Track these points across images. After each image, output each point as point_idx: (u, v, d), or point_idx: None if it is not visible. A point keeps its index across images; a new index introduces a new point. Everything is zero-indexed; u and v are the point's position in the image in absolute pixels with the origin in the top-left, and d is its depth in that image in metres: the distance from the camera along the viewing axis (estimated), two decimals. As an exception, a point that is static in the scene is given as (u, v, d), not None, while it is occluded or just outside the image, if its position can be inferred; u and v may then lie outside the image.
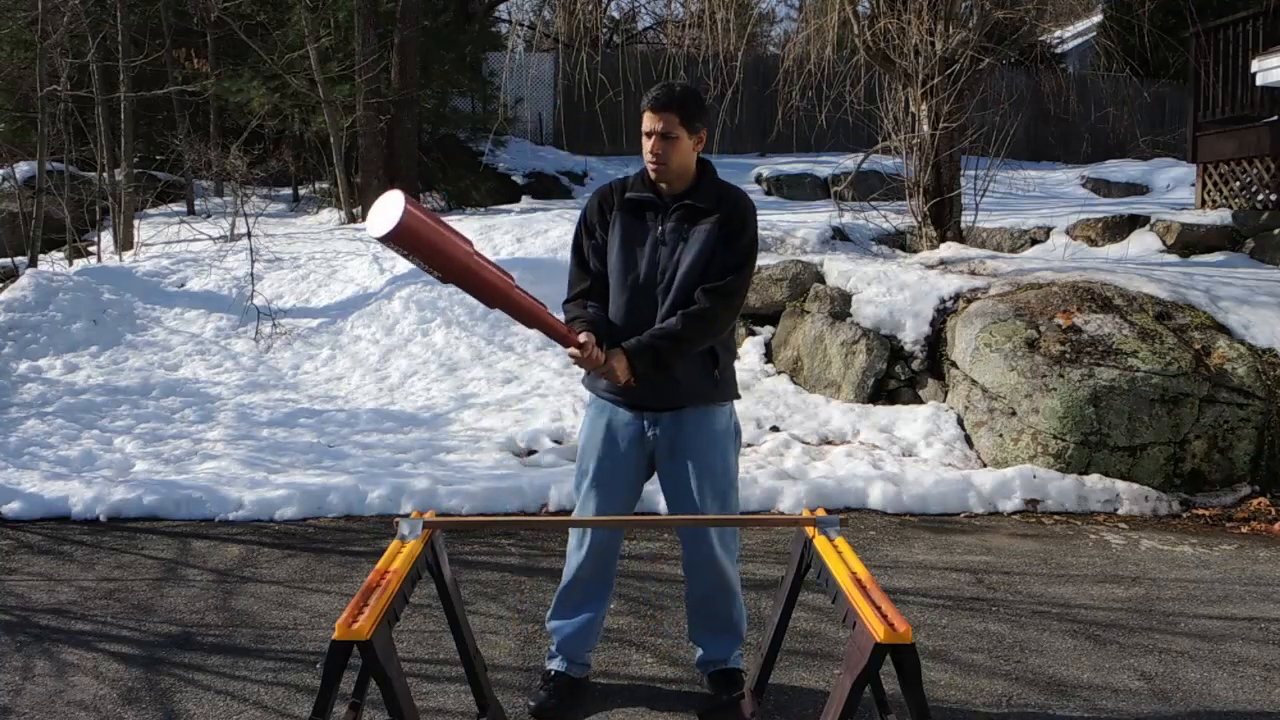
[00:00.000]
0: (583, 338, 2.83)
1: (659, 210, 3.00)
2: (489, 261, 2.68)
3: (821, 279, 7.70)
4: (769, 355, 7.56)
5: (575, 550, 3.13)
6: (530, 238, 9.65)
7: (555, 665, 3.17)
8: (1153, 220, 8.99)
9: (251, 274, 9.18)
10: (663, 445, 3.02)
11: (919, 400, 6.73)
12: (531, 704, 3.10)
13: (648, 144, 2.93)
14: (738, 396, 3.15)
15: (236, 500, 5.19)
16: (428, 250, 2.51)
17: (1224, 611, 4.02)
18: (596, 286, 3.06)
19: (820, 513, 2.73)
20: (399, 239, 2.45)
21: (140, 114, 13.77)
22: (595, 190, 3.14)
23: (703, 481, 3.00)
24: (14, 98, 13.76)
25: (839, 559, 2.47)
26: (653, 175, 2.99)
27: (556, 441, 6.18)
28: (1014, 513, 5.39)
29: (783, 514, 5.14)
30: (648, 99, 2.94)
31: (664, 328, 2.90)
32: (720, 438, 3.05)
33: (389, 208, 2.46)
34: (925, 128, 8.41)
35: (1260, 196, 9.17)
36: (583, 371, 3.04)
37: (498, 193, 14.07)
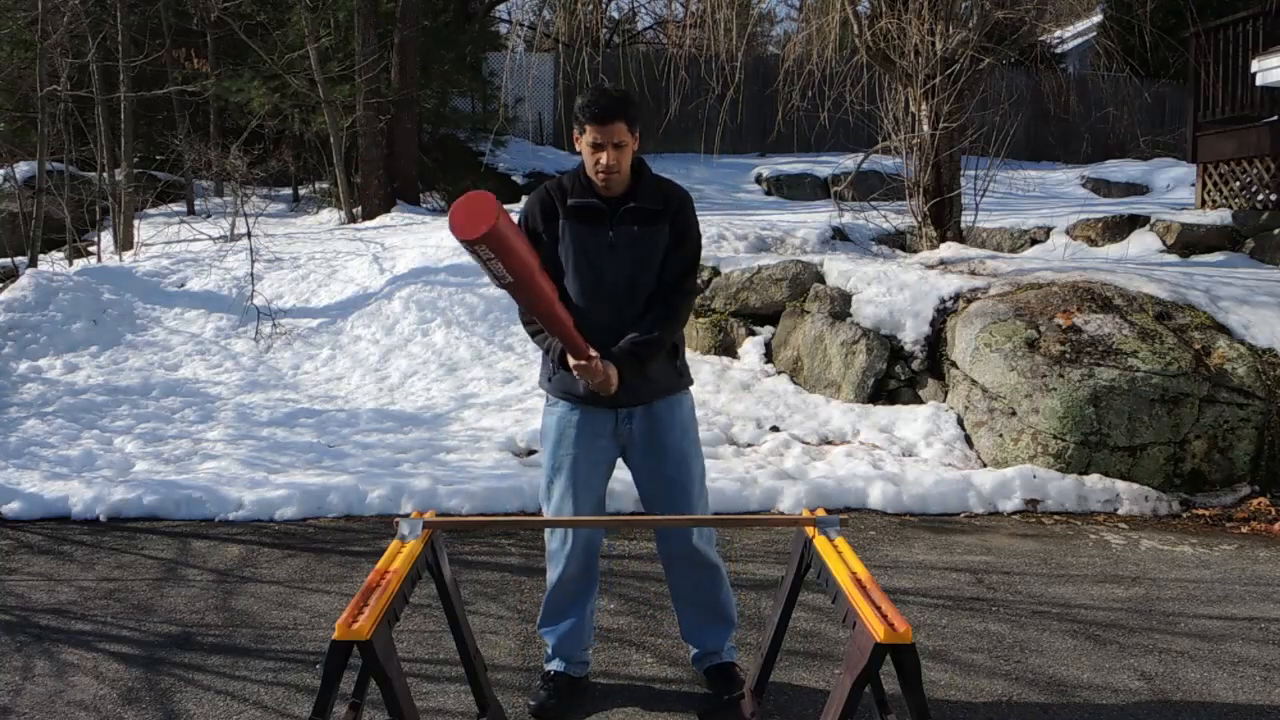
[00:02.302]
0: (593, 352, 2.87)
1: (606, 215, 2.99)
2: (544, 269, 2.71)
3: (821, 279, 7.69)
4: (769, 355, 7.56)
5: (559, 551, 3.15)
6: (530, 238, 9.65)
7: (554, 666, 3.19)
8: (1153, 220, 8.99)
9: (251, 274, 9.19)
10: (636, 438, 3.08)
11: (919, 400, 6.73)
12: (531, 703, 3.11)
13: (599, 156, 2.90)
14: (691, 383, 3.25)
15: (236, 500, 5.19)
16: (512, 255, 2.51)
17: (1224, 611, 4.02)
18: None
19: (820, 513, 2.73)
20: (491, 242, 2.44)
21: (140, 114, 13.78)
22: (532, 195, 3.11)
23: (681, 467, 3.10)
24: (14, 98, 13.77)
25: (839, 559, 2.47)
26: (604, 186, 2.97)
27: (556, 441, 6.17)
28: (1014, 513, 5.39)
29: (783, 514, 5.14)
30: (590, 111, 2.89)
31: (643, 336, 2.95)
32: (689, 423, 3.16)
33: (479, 211, 2.44)
34: (925, 128, 8.41)
35: (1260, 196, 9.17)
36: (538, 372, 3.10)
37: (498, 193, 13.86)
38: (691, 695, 3.20)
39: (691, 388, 3.24)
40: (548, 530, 3.26)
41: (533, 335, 3.09)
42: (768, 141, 15.22)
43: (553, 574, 3.18)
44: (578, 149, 3.01)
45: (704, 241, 3.23)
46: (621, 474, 3.23)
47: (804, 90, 9.31)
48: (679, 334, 3.09)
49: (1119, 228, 9.10)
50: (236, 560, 4.51)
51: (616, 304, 2.99)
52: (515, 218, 2.72)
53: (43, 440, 6.24)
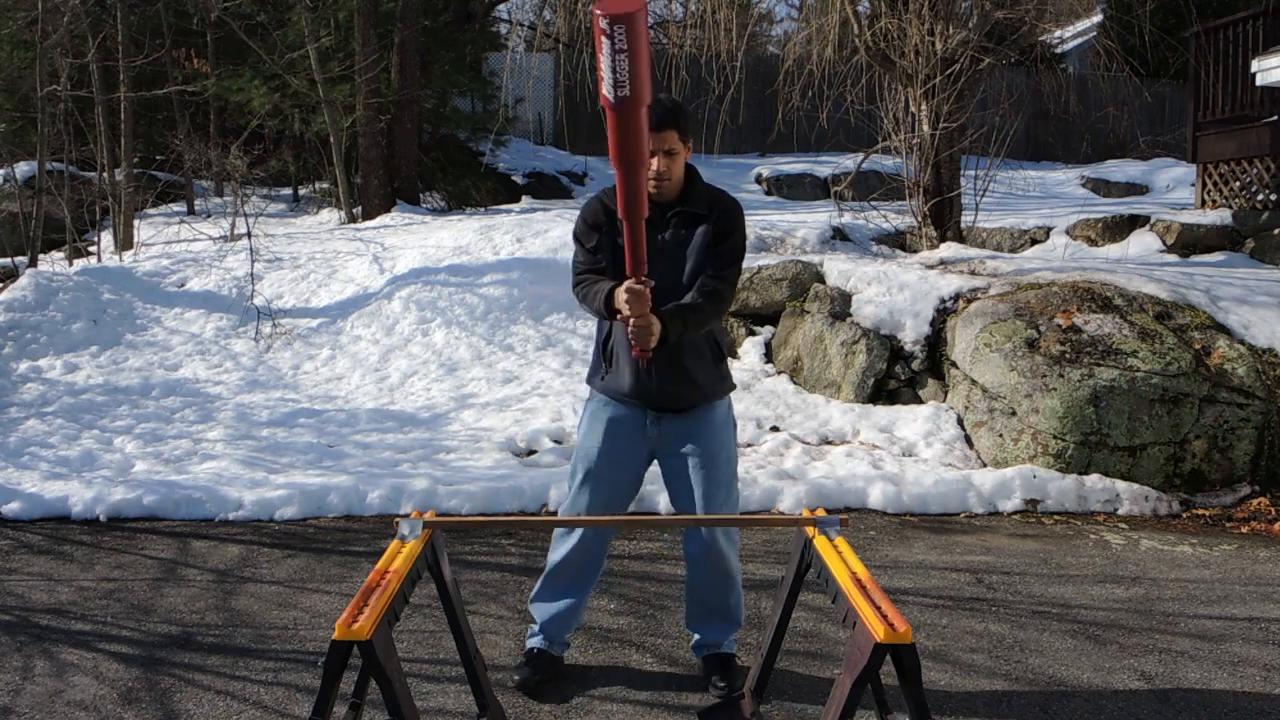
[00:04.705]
0: (647, 278, 2.81)
1: (655, 220, 3.04)
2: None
3: (821, 279, 7.70)
4: (769, 355, 7.56)
5: (564, 535, 3.22)
6: (530, 238, 9.65)
7: (536, 643, 3.26)
8: (1153, 220, 8.99)
9: (251, 274, 9.18)
10: (667, 439, 3.11)
11: (919, 400, 6.73)
12: (515, 678, 3.17)
13: (650, 162, 2.93)
14: (734, 387, 3.29)
15: (236, 500, 5.19)
16: (639, 61, 2.40)
17: (1224, 611, 4.02)
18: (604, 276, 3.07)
19: (820, 513, 2.73)
20: (632, 28, 2.35)
21: (140, 114, 13.77)
22: (590, 200, 3.18)
23: (709, 471, 3.11)
24: (14, 98, 13.77)
25: (839, 559, 2.47)
26: (655, 193, 3.01)
27: (556, 441, 6.18)
28: (1014, 513, 5.39)
29: (783, 514, 5.14)
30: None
31: (689, 302, 2.98)
32: (722, 427, 3.18)
33: None
34: (925, 128, 8.41)
35: (1260, 196, 9.17)
36: (585, 371, 3.09)
37: (498, 193, 14.07)
38: (691, 695, 3.20)
39: (736, 402, 3.26)
40: (563, 509, 3.30)
41: (582, 297, 3.05)
42: (768, 141, 15.22)
43: (557, 554, 3.24)
44: None
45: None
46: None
47: (804, 90, 9.32)
48: (719, 324, 3.13)
49: (1119, 228, 9.10)
50: (236, 560, 4.50)
51: (664, 305, 3.01)
52: (506, 211, 2.71)
53: (42, 440, 6.24)
